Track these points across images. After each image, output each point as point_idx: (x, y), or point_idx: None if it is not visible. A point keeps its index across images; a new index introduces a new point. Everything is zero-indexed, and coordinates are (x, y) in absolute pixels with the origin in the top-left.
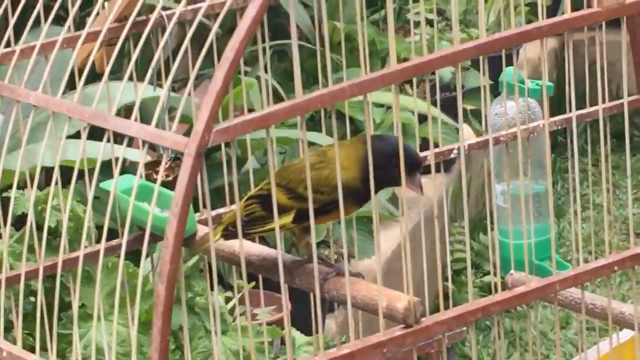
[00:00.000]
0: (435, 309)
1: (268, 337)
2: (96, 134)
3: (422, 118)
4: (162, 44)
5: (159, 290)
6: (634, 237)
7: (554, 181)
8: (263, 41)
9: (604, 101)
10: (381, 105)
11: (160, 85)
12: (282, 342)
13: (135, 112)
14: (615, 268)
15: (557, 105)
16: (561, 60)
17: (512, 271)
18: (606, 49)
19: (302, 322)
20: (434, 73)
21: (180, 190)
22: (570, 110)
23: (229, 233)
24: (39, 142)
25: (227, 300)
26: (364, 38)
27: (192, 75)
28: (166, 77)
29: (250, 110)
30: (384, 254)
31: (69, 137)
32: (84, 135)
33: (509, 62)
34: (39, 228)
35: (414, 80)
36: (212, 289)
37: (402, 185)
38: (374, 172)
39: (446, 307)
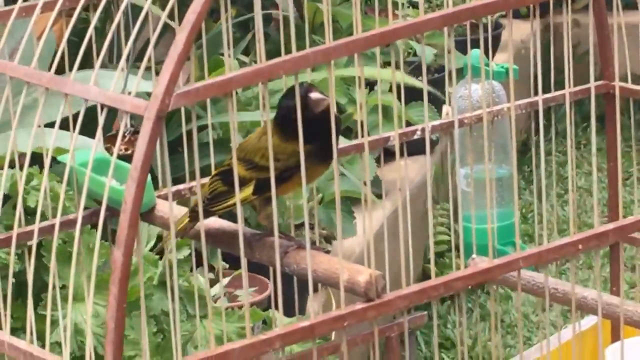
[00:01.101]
0: None
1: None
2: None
3: (405, 101)
4: (121, 9)
5: (116, 256)
6: (599, 217)
7: (538, 164)
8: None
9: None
10: (367, 86)
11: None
12: (264, 322)
13: (94, 78)
14: (580, 247)
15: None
16: (545, 42)
17: (473, 255)
18: (587, 32)
19: (284, 303)
20: (416, 55)
21: (139, 154)
22: (536, 94)
23: (195, 214)
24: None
25: (211, 281)
26: (329, 9)
27: (151, 45)
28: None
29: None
30: (367, 236)
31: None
32: (42, 99)
33: (495, 44)
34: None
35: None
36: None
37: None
38: (292, 124)
39: None
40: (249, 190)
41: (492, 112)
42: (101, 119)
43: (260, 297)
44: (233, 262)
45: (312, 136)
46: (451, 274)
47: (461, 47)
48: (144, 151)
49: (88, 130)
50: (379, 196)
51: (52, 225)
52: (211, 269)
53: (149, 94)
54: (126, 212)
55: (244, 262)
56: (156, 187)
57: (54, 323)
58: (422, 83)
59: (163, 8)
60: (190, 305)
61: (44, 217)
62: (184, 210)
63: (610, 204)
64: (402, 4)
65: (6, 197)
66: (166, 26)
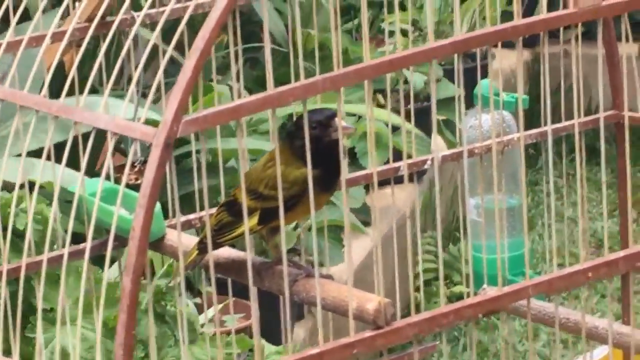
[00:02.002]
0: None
1: (237, 348)
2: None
3: (395, 128)
4: (126, 45)
5: (125, 283)
6: (606, 247)
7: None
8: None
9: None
10: (354, 115)
11: (144, 95)
12: (250, 350)
13: (103, 106)
14: (590, 275)
15: (530, 119)
16: (534, 73)
17: (484, 285)
18: (580, 62)
19: (270, 330)
20: (406, 82)
21: (147, 180)
22: (545, 124)
23: (204, 245)
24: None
25: (196, 306)
26: (337, 38)
27: (160, 73)
28: (137, 83)
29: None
30: (353, 264)
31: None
32: (52, 127)
33: (483, 74)
34: (6, 230)
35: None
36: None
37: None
38: (303, 147)
39: None
40: (254, 220)
41: (502, 142)
42: (111, 146)
43: (247, 323)
44: (222, 287)
45: (320, 162)
46: (461, 302)
47: (451, 76)
48: (152, 178)
49: (74, 156)
50: (368, 224)
51: (61, 255)
52: (200, 293)
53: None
54: (134, 239)
55: (253, 291)
56: (166, 217)
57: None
58: (407, 123)
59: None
60: (178, 330)
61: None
62: (194, 239)
63: (621, 233)
64: (391, 32)
65: None
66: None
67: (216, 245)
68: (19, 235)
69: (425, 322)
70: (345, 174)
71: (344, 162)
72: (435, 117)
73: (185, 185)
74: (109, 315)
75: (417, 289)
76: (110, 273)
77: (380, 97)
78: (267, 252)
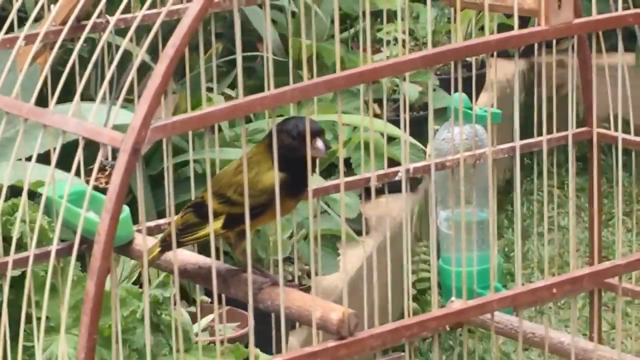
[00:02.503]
0: None
1: (231, 357)
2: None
3: (390, 138)
4: (99, 46)
5: (89, 286)
6: (574, 259)
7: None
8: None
9: (550, 132)
10: (348, 125)
11: (130, 101)
12: (244, 359)
13: (73, 110)
14: (554, 290)
15: (524, 129)
16: (529, 83)
17: (452, 298)
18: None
19: (264, 340)
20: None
21: (114, 185)
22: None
23: (167, 244)
24: None
25: (190, 315)
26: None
27: (130, 77)
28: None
29: (220, 130)
30: (348, 273)
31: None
32: (21, 129)
33: (480, 83)
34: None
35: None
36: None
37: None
38: (282, 155)
39: None
40: (218, 223)
41: (474, 156)
42: (79, 151)
43: (242, 332)
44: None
45: (292, 168)
46: (425, 314)
47: (446, 86)
48: (119, 183)
49: (69, 163)
50: (361, 233)
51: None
52: (194, 302)
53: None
54: (100, 243)
55: (216, 297)
56: (135, 222)
57: (32, 355)
58: (401, 132)
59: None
60: (172, 338)
61: (25, 248)
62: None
63: (590, 248)
64: (388, 42)
65: None
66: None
67: (179, 245)
68: (11, 242)
69: (389, 334)
70: (311, 181)
71: (310, 170)
72: (432, 126)
73: (182, 194)
74: (104, 324)
75: (411, 298)
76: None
77: (376, 106)
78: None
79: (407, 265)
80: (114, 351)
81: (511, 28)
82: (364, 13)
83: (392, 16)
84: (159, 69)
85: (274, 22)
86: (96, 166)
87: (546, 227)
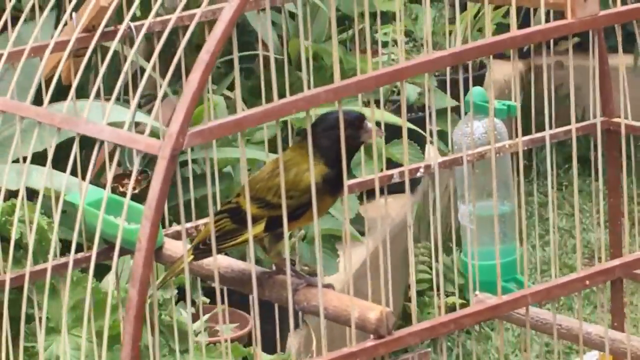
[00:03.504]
0: (397, 329)
1: (231, 357)
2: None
3: (388, 139)
4: (130, 58)
5: (131, 294)
6: (604, 253)
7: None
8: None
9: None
10: None
11: (128, 101)
12: (244, 359)
13: (106, 120)
14: (587, 282)
15: (524, 129)
16: (527, 84)
17: (476, 292)
18: (572, 73)
19: (265, 339)
20: (399, 93)
21: (154, 193)
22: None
23: (200, 251)
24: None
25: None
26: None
27: (163, 89)
28: (134, 92)
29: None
30: (348, 273)
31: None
32: (54, 140)
33: (480, 84)
34: (5, 240)
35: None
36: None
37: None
38: (333, 148)
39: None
40: (260, 227)
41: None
42: (115, 158)
43: (241, 332)
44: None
45: (337, 163)
46: (460, 311)
47: (444, 87)
48: (158, 190)
49: (64, 164)
50: (362, 234)
51: (62, 265)
52: (193, 303)
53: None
54: (141, 250)
55: (256, 302)
56: (162, 225)
57: (35, 355)
58: (400, 121)
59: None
60: (172, 339)
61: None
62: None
63: (611, 240)
64: (386, 43)
65: None
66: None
67: (217, 252)
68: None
69: (426, 331)
70: (346, 178)
71: (345, 167)
72: (435, 127)
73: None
74: (103, 325)
75: (409, 299)
76: (104, 283)
77: (374, 106)
78: (262, 261)
79: (411, 266)
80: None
81: (508, 28)
82: (362, 14)
83: (390, 17)
84: (194, 76)
85: (273, 23)
86: (134, 174)
87: (578, 222)
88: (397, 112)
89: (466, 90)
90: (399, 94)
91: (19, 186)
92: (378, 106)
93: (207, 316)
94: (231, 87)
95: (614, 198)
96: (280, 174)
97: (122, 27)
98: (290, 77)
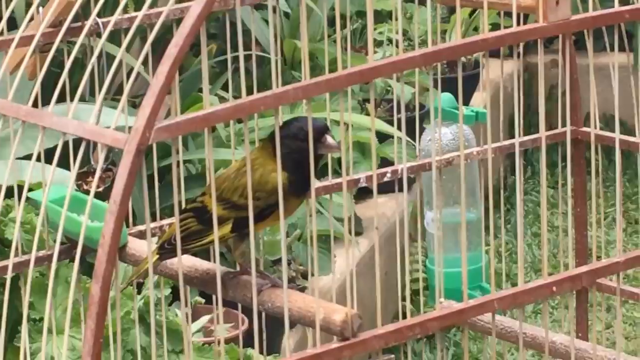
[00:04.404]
0: None
1: (226, 358)
2: None
3: (382, 138)
4: (96, 52)
5: (94, 290)
6: (572, 260)
7: (513, 203)
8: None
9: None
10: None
11: (118, 101)
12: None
13: (72, 112)
14: (554, 289)
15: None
16: (524, 83)
17: (441, 299)
18: (543, 81)
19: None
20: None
21: (118, 187)
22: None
23: (165, 251)
24: None
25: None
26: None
27: (130, 79)
28: (122, 91)
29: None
30: (342, 274)
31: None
32: (20, 131)
33: (474, 83)
34: None
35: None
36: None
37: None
38: (291, 157)
39: None
40: (226, 228)
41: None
42: (80, 152)
43: (235, 332)
44: (210, 297)
45: (297, 168)
46: (426, 315)
47: (443, 86)
48: (123, 185)
49: (62, 165)
50: (358, 233)
51: (28, 260)
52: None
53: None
54: (104, 246)
55: (220, 301)
56: (126, 224)
57: (30, 356)
58: (392, 128)
59: (142, 39)
60: (168, 340)
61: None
62: (153, 247)
63: (577, 247)
64: (381, 42)
65: None
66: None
67: (183, 252)
68: (6, 244)
69: (391, 335)
70: (314, 180)
71: (312, 170)
72: (404, 130)
73: (171, 197)
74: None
75: (404, 299)
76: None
77: (369, 106)
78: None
79: (405, 265)
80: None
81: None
82: (358, 13)
83: (385, 16)
84: (162, 70)
85: (266, 22)
86: (99, 169)
87: (544, 225)
88: (391, 111)
89: (457, 89)
90: (393, 93)
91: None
92: (376, 107)
93: (208, 317)
94: (225, 87)
95: (581, 207)
96: (246, 174)
97: (88, 23)
98: (285, 76)
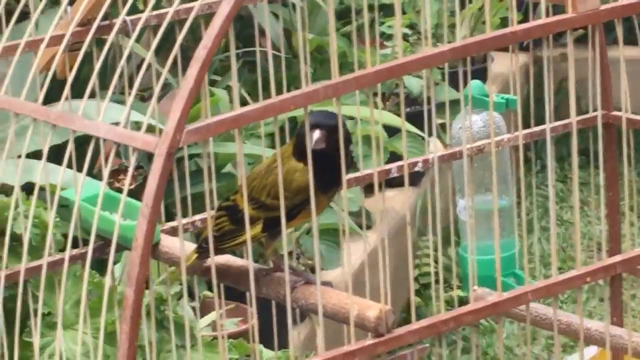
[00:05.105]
0: (403, 322)
1: (235, 353)
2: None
3: (391, 132)
4: (126, 52)
5: (127, 294)
6: (604, 251)
7: (519, 198)
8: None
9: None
10: (351, 118)
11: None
12: (247, 355)
13: (101, 116)
14: (588, 279)
15: (528, 122)
16: (534, 75)
17: (475, 287)
18: (575, 66)
19: (266, 335)
20: (405, 87)
21: (150, 190)
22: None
23: (204, 250)
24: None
25: (193, 310)
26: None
27: (159, 83)
28: (131, 86)
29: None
30: (352, 267)
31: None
32: (50, 136)
33: (482, 77)
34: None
35: (379, 92)
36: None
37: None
38: (300, 151)
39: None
40: (257, 228)
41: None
42: (112, 156)
43: (245, 326)
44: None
45: (317, 163)
46: (460, 308)
47: (449, 79)
48: (155, 188)
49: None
50: (369, 227)
51: (60, 260)
52: (198, 298)
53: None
54: (137, 249)
55: (254, 299)
56: (158, 221)
57: (40, 350)
58: (400, 120)
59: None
60: (177, 335)
61: (35, 249)
62: (189, 245)
63: (611, 235)
64: (391, 35)
65: None
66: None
67: (217, 252)
68: (16, 239)
69: (426, 329)
70: (344, 176)
71: (343, 165)
72: (435, 120)
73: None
74: (107, 320)
75: (415, 293)
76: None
77: (378, 100)
78: (263, 258)
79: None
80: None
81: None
82: (369, 6)
83: (393, 10)
84: (192, 72)
85: (276, 16)
86: (130, 170)
87: (577, 218)
88: (399, 105)
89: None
90: (404, 87)
91: (19, 181)
92: (384, 101)
93: (221, 311)
94: (252, 85)
95: (613, 192)
96: (272, 172)
97: (118, 21)
98: (294, 70)
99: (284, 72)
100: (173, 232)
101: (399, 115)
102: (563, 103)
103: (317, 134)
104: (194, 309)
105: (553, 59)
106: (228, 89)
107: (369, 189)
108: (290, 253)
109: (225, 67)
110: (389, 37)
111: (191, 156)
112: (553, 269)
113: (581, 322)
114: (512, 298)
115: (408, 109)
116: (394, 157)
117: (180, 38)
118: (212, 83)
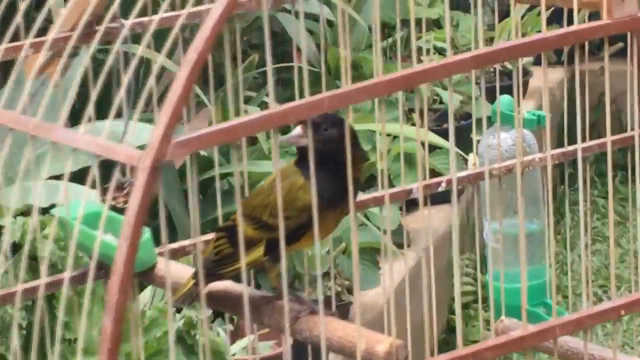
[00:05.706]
0: (442, 342)
1: None
2: None
3: (430, 148)
4: (135, 61)
5: (105, 324)
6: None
7: (563, 213)
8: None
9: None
10: (388, 135)
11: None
12: None
13: (85, 126)
14: (622, 312)
15: (568, 137)
16: (570, 90)
17: (502, 317)
18: (614, 80)
19: (301, 358)
20: (442, 102)
21: (132, 209)
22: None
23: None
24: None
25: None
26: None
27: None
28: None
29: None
30: (389, 288)
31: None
32: (30, 146)
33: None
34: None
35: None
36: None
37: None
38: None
39: (454, 342)
40: (259, 251)
41: (522, 163)
42: (95, 169)
43: (279, 350)
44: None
45: (323, 175)
46: (482, 343)
47: (489, 95)
48: (137, 205)
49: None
50: (402, 246)
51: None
52: (232, 320)
53: None
54: (117, 274)
55: (250, 328)
56: (158, 243)
57: None
58: (444, 141)
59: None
60: None
61: (55, 268)
62: (186, 269)
63: None
64: (428, 50)
65: (17, 246)
66: None
67: (216, 277)
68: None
69: None
70: (352, 189)
71: (350, 176)
72: (475, 136)
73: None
74: (131, 346)
75: (454, 312)
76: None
77: (416, 116)
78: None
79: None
80: None
81: None
82: (403, 21)
83: (430, 24)
84: (181, 76)
85: (310, 32)
86: (112, 185)
87: (612, 251)
88: (438, 120)
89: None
90: (441, 102)
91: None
92: (421, 116)
93: (253, 336)
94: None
95: None
96: (274, 188)
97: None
98: (329, 87)
99: (323, 88)
100: (173, 254)
101: (437, 131)
102: (602, 118)
103: (296, 130)
104: (225, 331)
105: (593, 72)
106: (262, 105)
107: (406, 207)
108: (327, 274)
109: (259, 84)
110: (426, 52)
111: (223, 175)
112: (584, 301)
113: (615, 356)
114: (538, 332)
115: (445, 125)
116: (433, 174)
117: (168, 42)
118: (247, 100)
